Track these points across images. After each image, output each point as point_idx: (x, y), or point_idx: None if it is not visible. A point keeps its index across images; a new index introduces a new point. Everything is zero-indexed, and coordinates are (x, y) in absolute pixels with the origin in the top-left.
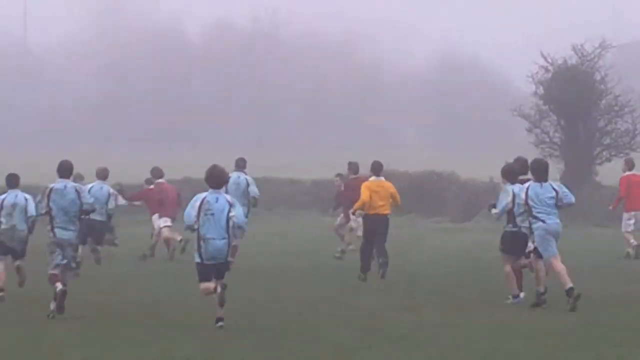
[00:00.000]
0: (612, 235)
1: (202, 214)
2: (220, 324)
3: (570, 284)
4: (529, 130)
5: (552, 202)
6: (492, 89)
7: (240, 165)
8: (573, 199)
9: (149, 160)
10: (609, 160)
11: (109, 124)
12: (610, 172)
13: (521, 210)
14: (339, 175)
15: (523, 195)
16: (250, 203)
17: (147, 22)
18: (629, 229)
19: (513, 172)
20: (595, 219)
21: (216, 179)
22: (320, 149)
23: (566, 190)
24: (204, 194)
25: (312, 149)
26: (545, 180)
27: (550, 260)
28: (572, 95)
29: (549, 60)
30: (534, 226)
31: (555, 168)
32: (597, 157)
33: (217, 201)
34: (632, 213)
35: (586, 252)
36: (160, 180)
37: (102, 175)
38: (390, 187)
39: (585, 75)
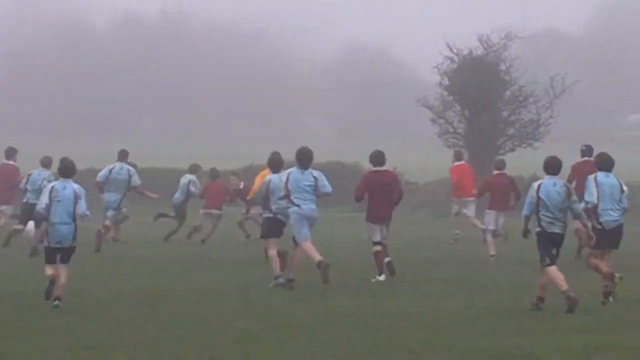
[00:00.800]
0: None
1: (51, 201)
2: (56, 302)
3: (319, 258)
4: (433, 121)
5: (309, 189)
6: (398, 80)
7: (123, 156)
8: (330, 190)
9: (49, 150)
10: (512, 150)
11: (15, 114)
12: (514, 162)
13: (282, 194)
14: (235, 174)
15: (284, 180)
16: (136, 192)
17: (55, 15)
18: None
19: (279, 162)
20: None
21: (65, 169)
22: (228, 139)
23: (325, 180)
24: (53, 182)
25: (220, 139)
26: (306, 168)
27: (302, 241)
28: (477, 85)
29: (455, 51)
30: (290, 210)
31: None
32: (500, 148)
33: (64, 189)
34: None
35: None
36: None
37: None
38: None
39: (491, 66)
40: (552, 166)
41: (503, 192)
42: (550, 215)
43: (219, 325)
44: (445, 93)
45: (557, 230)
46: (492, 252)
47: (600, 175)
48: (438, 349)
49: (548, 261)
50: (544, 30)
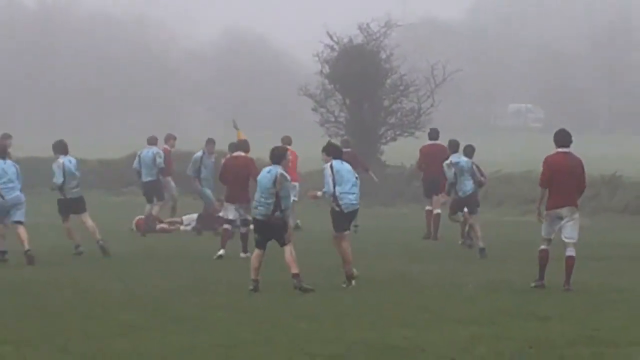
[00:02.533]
0: (398, 214)
1: None
2: None
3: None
4: (314, 110)
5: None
6: (279, 68)
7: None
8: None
9: None
10: (394, 139)
11: None
12: (395, 152)
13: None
14: None
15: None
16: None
17: None
18: None
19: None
20: (381, 198)
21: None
22: (109, 130)
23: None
24: None
25: (100, 129)
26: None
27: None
28: (358, 74)
29: (335, 39)
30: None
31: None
32: (382, 137)
33: None
34: None
35: (373, 231)
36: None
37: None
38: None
39: (371, 55)
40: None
41: None
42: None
43: (105, 317)
44: (326, 81)
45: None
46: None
47: (336, 162)
48: (323, 341)
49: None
50: (424, 18)
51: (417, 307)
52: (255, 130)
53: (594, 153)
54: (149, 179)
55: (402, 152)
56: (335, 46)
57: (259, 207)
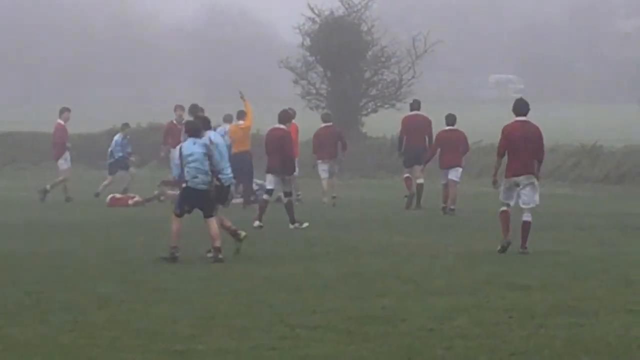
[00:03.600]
0: (378, 186)
1: None
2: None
3: None
4: (296, 82)
5: None
6: (258, 42)
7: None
8: None
9: None
10: (375, 111)
11: None
12: (376, 123)
13: None
14: None
15: None
16: None
17: None
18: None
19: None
20: (362, 170)
21: None
22: (90, 103)
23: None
24: None
25: (81, 104)
26: None
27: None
28: (339, 46)
29: (316, 12)
30: None
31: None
32: (363, 108)
33: None
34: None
35: (354, 203)
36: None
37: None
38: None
39: (352, 27)
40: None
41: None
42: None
43: (83, 289)
44: (307, 54)
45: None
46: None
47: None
48: (302, 311)
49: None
50: None
51: (397, 278)
52: (238, 102)
53: (575, 122)
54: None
55: (383, 123)
56: (317, 19)
57: (197, 177)
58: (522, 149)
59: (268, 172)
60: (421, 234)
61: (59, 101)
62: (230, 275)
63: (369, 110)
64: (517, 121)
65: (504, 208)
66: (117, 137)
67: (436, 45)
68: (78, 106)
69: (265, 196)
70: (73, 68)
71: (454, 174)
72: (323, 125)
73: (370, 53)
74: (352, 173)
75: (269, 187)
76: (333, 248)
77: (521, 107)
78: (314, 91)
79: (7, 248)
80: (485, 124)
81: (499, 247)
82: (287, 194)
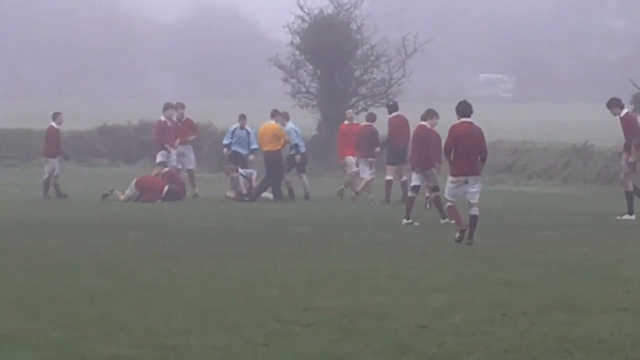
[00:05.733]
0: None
1: None
2: None
3: None
4: (285, 81)
5: None
6: (247, 40)
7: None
8: None
9: None
10: (365, 109)
11: None
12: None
13: None
14: None
15: None
16: None
17: None
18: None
19: None
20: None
21: None
22: (78, 99)
23: None
24: None
25: (68, 99)
26: None
27: None
28: (328, 45)
29: (306, 10)
30: None
31: (312, 118)
32: (353, 107)
33: None
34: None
35: (346, 199)
36: None
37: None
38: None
39: (342, 25)
40: None
41: None
42: None
43: (74, 284)
44: (297, 52)
45: None
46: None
47: None
48: (295, 307)
49: None
50: None
51: (390, 275)
52: (226, 101)
53: (566, 122)
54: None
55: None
56: (306, 17)
57: None
58: (469, 147)
59: (413, 168)
60: (413, 231)
61: (47, 98)
62: (223, 271)
63: (359, 108)
64: (463, 122)
65: (450, 204)
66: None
67: (426, 45)
68: (67, 103)
69: (410, 193)
70: (60, 64)
71: None
72: (364, 124)
73: (359, 52)
74: (343, 171)
75: (415, 183)
76: (325, 245)
77: (465, 108)
78: (303, 89)
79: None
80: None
81: (456, 235)
82: (434, 189)
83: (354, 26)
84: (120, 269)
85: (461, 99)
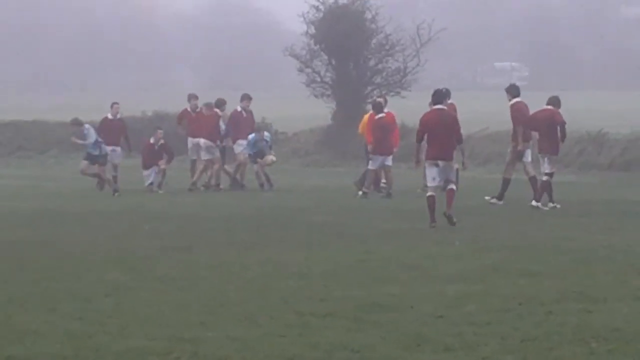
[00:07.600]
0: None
1: None
2: None
3: None
4: (300, 70)
5: None
6: (262, 30)
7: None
8: None
9: None
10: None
11: None
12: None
13: None
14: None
15: None
16: None
17: None
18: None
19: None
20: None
21: None
22: (94, 91)
23: None
24: None
25: (85, 91)
26: None
27: None
28: (343, 34)
29: (320, 0)
30: None
31: (327, 107)
32: (368, 96)
33: None
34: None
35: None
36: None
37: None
38: None
39: (356, 14)
40: None
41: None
42: None
43: (90, 277)
44: (312, 42)
45: None
46: None
47: None
48: (311, 298)
49: None
50: None
51: (404, 265)
52: (241, 90)
53: (581, 110)
54: None
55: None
56: (321, 7)
57: None
58: (440, 134)
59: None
60: (426, 220)
61: (63, 89)
62: (239, 262)
63: (374, 98)
64: (434, 109)
65: (431, 193)
66: None
67: (441, 33)
68: (83, 94)
69: (545, 178)
70: (77, 55)
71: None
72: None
73: (374, 41)
74: (358, 161)
75: (547, 171)
76: (339, 235)
77: (438, 96)
78: (318, 79)
79: (14, 236)
80: (490, 112)
81: (433, 224)
82: (549, 174)
83: (368, 15)
84: (136, 261)
85: (477, 87)
